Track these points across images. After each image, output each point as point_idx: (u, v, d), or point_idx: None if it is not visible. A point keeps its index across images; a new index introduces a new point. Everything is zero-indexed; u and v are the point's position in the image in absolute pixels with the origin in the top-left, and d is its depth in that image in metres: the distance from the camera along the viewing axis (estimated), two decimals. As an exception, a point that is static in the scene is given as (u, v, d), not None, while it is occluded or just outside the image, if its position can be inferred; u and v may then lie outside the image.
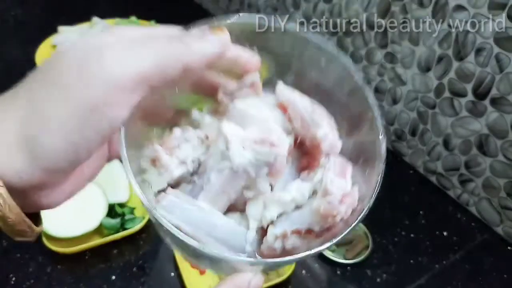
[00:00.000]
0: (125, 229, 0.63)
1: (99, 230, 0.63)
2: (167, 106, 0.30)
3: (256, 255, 0.27)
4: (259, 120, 0.27)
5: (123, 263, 0.62)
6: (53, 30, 0.99)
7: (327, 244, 0.25)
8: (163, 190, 0.27)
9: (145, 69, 0.21)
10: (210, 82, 0.29)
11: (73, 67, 0.21)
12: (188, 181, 0.28)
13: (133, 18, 1.05)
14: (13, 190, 0.21)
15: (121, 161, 0.24)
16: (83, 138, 0.21)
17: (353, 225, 0.25)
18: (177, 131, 0.28)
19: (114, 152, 0.27)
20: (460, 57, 0.65)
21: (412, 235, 0.68)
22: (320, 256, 0.63)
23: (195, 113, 0.29)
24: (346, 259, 0.63)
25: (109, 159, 0.28)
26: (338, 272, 0.62)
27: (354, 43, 0.83)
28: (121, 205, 0.67)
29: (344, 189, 0.27)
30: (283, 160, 0.26)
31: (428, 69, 0.71)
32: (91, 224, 0.62)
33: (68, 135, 0.21)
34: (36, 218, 0.25)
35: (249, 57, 0.28)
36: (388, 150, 0.89)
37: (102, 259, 0.62)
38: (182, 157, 0.27)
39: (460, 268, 0.63)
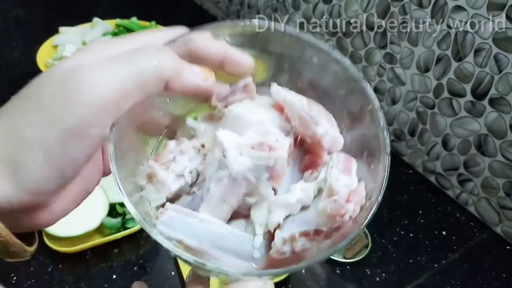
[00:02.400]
0: (126, 228, 0.64)
1: (100, 230, 0.63)
2: (161, 115, 0.30)
3: (264, 263, 0.26)
4: (255, 124, 0.26)
5: (124, 262, 0.62)
6: (54, 31, 0.99)
7: (338, 245, 0.24)
8: (162, 205, 0.26)
9: (125, 87, 0.21)
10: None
11: (53, 91, 0.21)
12: (187, 192, 0.27)
13: (134, 19, 1.05)
14: (3, 213, 0.21)
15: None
16: (68, 159, 0.22)
17: (364, 223, 0.25)
18: (171, 144, 0.27)
19: (109, 167, 0.27)
20: (459, 57, 0.65)
21: (411, 235, 0.68)
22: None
23: (190, 121, 0.28)
24: (345, 258, 0.63)
25: (105, 173, 0.28)
26: (338, 271, 0.62)
27: (353, 43, 0.84)
28: (122, 205, 0.67)
29: (350, 186, 0.26)
30: (284, 162, 0.25)
31: (427, 69, 0.71)
32: (92, 223, 0.62)
33: (53, 159, 0.21)
34: (30, 237, 0.26)
35: (242, 59, 0.27)
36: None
37: (103, 258, 0.62)
38: (179, 170, 0.26)
39: (459, 268, 0.64)
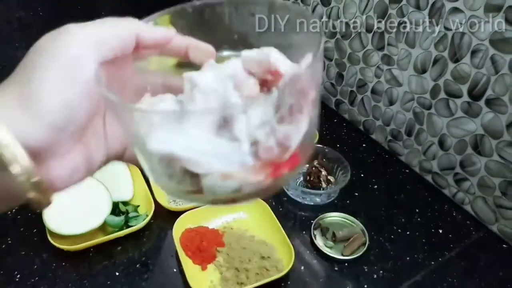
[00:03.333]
0: (128, 226, 0.65)
1: (103, 228, 0.64)
2: (153, 74, 0.33)
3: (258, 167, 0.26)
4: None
5: (126, 260, 0.63)
6: (57, 32, 1.00)
7: (313, 112, 0.26)
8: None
9: (104, 35, 0.27)
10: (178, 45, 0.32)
11: (48, 41, 0.26)
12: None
13: (135, 20, 1.06)
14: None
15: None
16: (71, 91, 0.25)
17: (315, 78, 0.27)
18: (147, 96, 0.29)
19: (113, 149, 0.29)
20: (456, 58, 0.66)
21: (408, 233, 0.69)
22: (318, 253, 0.65)
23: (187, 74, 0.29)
24: (343, 256, 0.64)
25: (109, 157, 0.30)
26: (336, 268, 0.63)
27: (351, 45, 0.85)
28: (125, 203, 0.68)
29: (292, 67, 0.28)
30: (242, 73, 0.28)
31: (424, 70, 0.72)
32: (95, 221, 0.63)
33: (60, 89, 0.25)
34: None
35: (204, 46, 0.31)
36: (384, 150, 0.90)
37: (106, 256, 0.63)
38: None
39: (456, 265, 0.64)
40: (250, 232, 0.66)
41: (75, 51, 0.25)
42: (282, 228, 0.64)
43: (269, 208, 0.67)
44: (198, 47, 0.31)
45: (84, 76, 0.25)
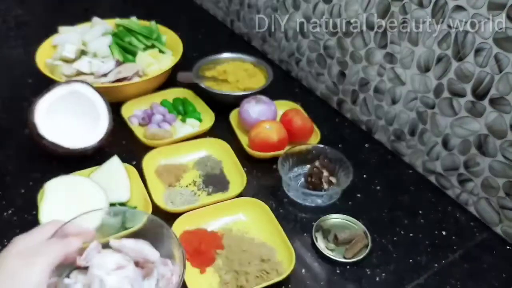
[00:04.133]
0: (125, 228, 0.63)
1: (100, 229, 0.63)
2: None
3: None
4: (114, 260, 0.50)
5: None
6: (54, 30, 1.00)
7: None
8: None
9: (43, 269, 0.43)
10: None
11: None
12: None
13: (133, 19, 1.05)
14: None
15: None
16: None
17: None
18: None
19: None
20: (459, 57, 0.65)
21: (411, 235, 0.68)
22: (320, 255, 0.64)
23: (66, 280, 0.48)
24: (345, 258, 0.63)
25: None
26: (338, 271, 0.62)
27: (353, 43, 0.84)
28: (122, 205, 0.67)
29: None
30: (135, 272, 0.49)
31: (427, 69, 0.71)
32: (92, 223, 0.62)
33: None
34: None
35: (86, 231, 0.51)
36: (387, 150, 0.90)
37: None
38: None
39: (459, 267, 0.64)
40: (250, 235, 0.65)
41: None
42: (282, 230, 0.63)
43: (270, 210, 0.66)
44: (85, 232, 0.50)
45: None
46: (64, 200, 0.64)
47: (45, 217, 0.62)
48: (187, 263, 0.61)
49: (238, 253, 0.61)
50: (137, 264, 0.51)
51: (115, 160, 0.72)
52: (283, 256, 0.61)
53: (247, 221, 0.67)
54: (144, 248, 0.52)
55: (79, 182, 0.67)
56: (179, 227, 0.63)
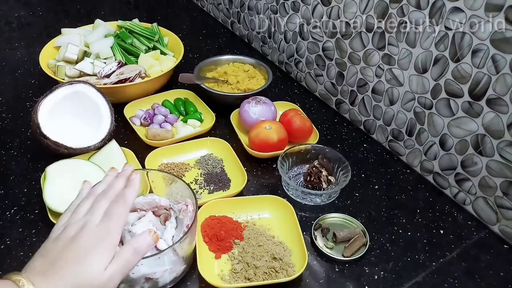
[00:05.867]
0: None
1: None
2: None
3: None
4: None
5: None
6: (57, 32, 1.01)
7: None
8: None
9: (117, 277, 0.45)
10: None
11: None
12: None
13: (135, 21, 1.06)
14: None
15: None
16: None
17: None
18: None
19: None
20: (456, 58, 0.66)
21: (409, 233, 0.69)
22: (319, 253, 0.64)
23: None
24: (344, 257, 0.64)
25: None
26: (337, 269, 0.63)
27: (352, 45, 0.84)
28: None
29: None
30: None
31: (425, 70, 0.72)
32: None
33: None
34: None
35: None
36: (385, 150, 0.90)
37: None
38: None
39: (457, 266, 0.64)
40: (272, 232, 0.66)
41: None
42: (302, 235, 0.63)
43: (295, 212, 0.67)
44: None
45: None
46: (67, 181, 0.68)
47: (49, 197, 0.65)
48: (205, 247, 0.63)
49: (254, 247, 0.63)
50: (154, 214, 0.61)
51: (113, 144, 0.75)
52: (296, 260, 0.61)
53: (272, 219, 0.69)
54: (154, 198, 0.61)
55: (80, 165, 0.71)
56: (205, 212, 0.67)
